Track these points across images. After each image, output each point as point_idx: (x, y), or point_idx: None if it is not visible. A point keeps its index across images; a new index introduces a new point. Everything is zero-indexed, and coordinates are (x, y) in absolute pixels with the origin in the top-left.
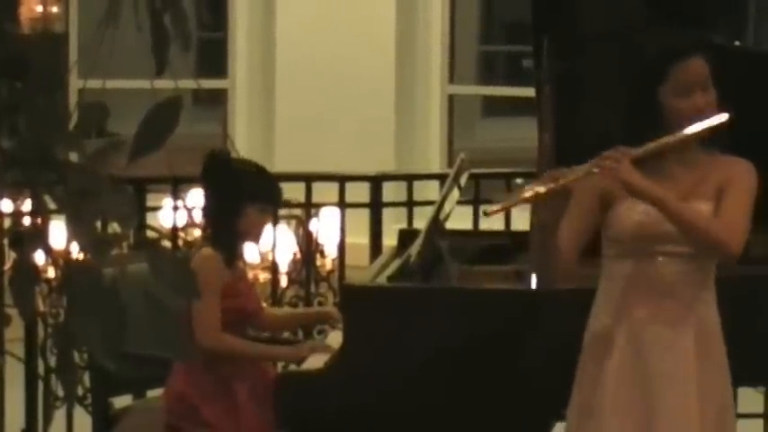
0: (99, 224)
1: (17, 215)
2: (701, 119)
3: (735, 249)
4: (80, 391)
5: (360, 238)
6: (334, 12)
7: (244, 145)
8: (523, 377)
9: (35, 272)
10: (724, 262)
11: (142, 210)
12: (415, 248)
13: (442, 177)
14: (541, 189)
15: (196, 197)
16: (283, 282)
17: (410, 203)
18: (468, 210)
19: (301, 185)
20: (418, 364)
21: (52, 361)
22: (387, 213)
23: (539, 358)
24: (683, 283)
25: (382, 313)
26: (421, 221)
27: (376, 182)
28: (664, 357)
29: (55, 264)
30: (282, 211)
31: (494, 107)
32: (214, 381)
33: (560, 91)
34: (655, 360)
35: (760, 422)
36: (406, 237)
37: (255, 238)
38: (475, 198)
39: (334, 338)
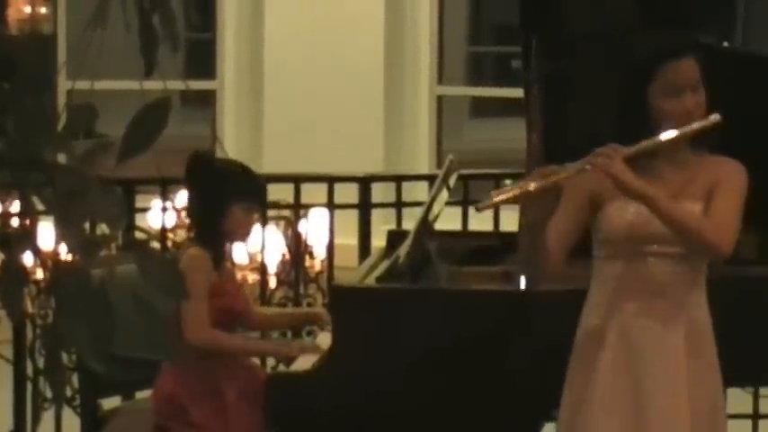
0: (87, 225)
1: (5, 216)
2: (690, 120)
3: (725, 249)
4: (69, 393)
5: (348, 238)
6: (322, 13)
7: (232, 146)
8: (512, 377)
9: (23, 273)
10: (713, 262)
11: (131, 211)
12: (403, 249)
13: (430, 178)
14: (532, 186)
15: (185, 198)
16: (272, 283)
17: (399, 204)
18: (457, 211)
19: (290, 186)
20: (407, 365)
21: (41, 362)
22: (375, 214)
23: (527, 359)
24: (673, 284)
25: (371, 314)
26: (410, 222)
27: (365, 183)
28: (654, 356)
29: (43, 265)
30: (271, 212)
31: (482, 108)
32: (203, 382)
33: (549, 91)
34: (645, 359)
35: (748, 423)
36: (395, 238)
37: (242, 237)
38: (464, 199)
39: (323, 340)
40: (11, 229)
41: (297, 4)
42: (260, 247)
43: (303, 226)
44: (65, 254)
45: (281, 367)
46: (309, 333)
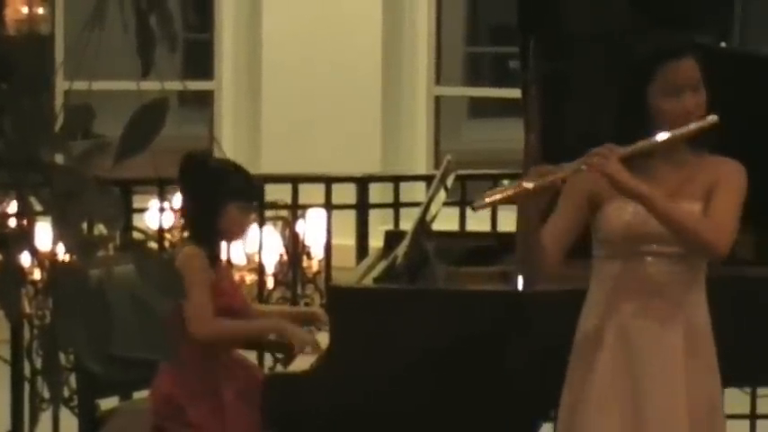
0: (85, 226)
1: (3, 217)
2: (689, 120)
3: (722, 249)
4: (66, 393)
5: (346, 239)
6: (320, 13)
7: (230, 146)
8: (510, 378)
9: (21, 274)
10: (712, 262)
11: (128, 211)
12: (401, 250)
13: (428, 179)
14: (530, 185)
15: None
16: (270, 283)
17: (396, 205)
18: (455, 211)
19: (288, 187)
20: (405, 366)
21: (38, 363)
22: (373, 215)
23: (525, 359)
24: (672, 284)
25: (369, 314)
26: (407, 223)
27: (362, 183)
28: (652, 356)
29: (41, 265)
30: (269, 213)
31: (480, 108)
32: (201, 382)
33: (546, 92)
34: (643, 359)
35: (746, 423)
36: (393, 238)
37: (237, 235)
38: (461, 199)
39: (321, 340)
40: (8, 229)
41: (294, 5)
42: (257, 248)
43: (301, 226)
44: (62, 254)
45: (279, 368)
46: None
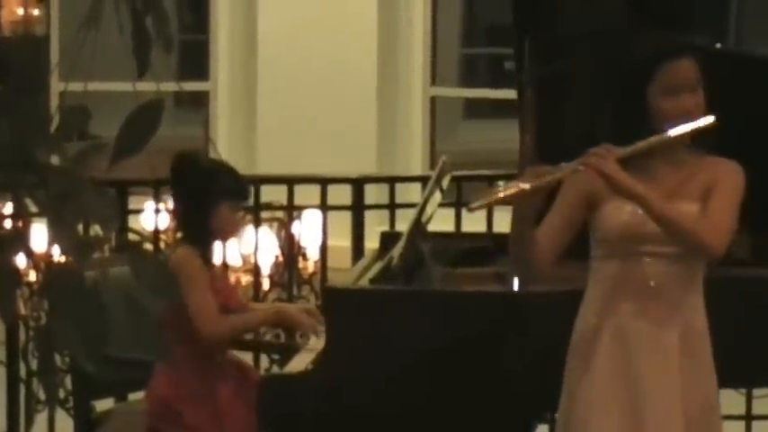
0: (81, 227)
1: None
2: (688, 120)
3: (718, 250)
4: (62, 395)
5: (342, 240)
6: (315, 14)
7: (226, 147)
8: (505, 379)
9: (16, 275)
10: (710, 263)
11: (124, 212)
12: (397, 251)
13: (424, 179)
14: (526, 186)
15: None
16: (265, 284)
17: (392, 206)
18: (451, 212)
19: (283, 188)
20: (400, 367)
21: (34, 364)
22: (369, 216)
23: (520, 360)
24: (669, 284)
25: (364, 316)
26: (403, 224)
27: (358, 184)
28: (649, 357)
29: (36, 267)
30: (264, 214)
31: (476, 109)
32: (197, 383)
33: (542, 93)
34: (640, 360)
35: (741, 424)
36: (388, 239)
37: (230, 235)
38: (457, 200)
39: (316, 344)
40: (3, 230)
41: (290, 6)
42: (253, 249)
43: (296, 227)
44: (58, 255)
45: (276, 369)
46: (303, 335)
